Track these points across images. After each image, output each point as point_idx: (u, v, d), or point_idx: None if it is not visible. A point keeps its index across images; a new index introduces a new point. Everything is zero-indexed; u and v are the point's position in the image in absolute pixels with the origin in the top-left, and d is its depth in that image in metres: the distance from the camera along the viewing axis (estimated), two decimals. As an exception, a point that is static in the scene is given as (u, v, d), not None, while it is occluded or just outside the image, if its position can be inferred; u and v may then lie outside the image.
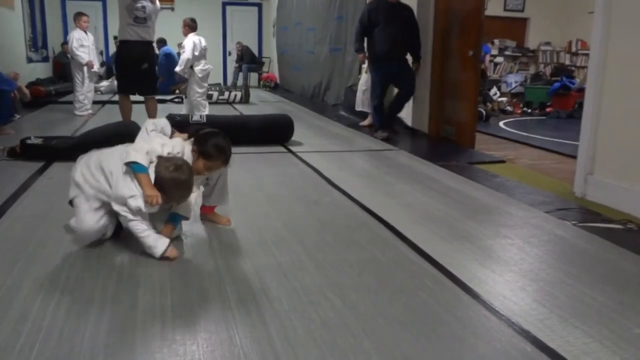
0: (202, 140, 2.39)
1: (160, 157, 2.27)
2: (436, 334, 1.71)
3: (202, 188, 2.63)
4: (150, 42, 5.26)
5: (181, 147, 2.40)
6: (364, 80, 6.72)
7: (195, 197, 2.57)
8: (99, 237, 2.33)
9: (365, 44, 5.85)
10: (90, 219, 2.24)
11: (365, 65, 6.75)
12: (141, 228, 2.20)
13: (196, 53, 6.34)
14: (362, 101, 6.81)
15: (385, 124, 5.86)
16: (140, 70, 5.14)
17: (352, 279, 2.12)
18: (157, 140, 2.37)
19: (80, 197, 2.28)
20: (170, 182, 2.20)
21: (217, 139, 2.39)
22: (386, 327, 1.74)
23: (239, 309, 1.83)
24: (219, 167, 2.45)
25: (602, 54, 3.36)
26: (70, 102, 7.44)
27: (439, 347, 1.64)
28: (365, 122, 6.74)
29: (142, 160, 2.19)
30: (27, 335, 1.62)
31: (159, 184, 2.20)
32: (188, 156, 2.38)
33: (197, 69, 6.43)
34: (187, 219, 2.50)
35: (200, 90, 6.53)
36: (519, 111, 9.09)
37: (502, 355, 1.60)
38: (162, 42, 10.07)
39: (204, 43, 6.48)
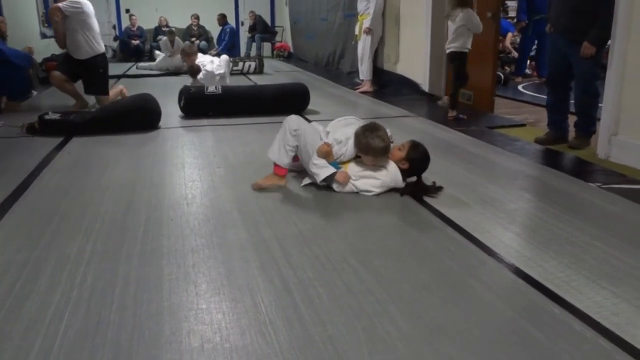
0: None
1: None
2: (463, 299, 1.70)
3: None
4: None
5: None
6: (360, 46, 6.81)
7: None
8: None
9: None
10: None
11: (357, 31, 6.85)
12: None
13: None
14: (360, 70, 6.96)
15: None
16: None
17: (374, 245, 2.12)
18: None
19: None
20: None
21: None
22: (412, 293, 1.73)
23: (262, 277, 1.84)
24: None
25: (627, 10, 3.25)
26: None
27: (466, 311, 1.62)
28: (363, 88, 6.75)
29: None
30: (56, 307, 1.65)
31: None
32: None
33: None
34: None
35: None
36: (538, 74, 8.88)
37: (530, 317, 1.58)
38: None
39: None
